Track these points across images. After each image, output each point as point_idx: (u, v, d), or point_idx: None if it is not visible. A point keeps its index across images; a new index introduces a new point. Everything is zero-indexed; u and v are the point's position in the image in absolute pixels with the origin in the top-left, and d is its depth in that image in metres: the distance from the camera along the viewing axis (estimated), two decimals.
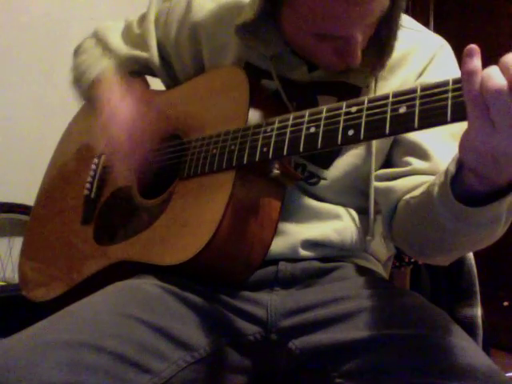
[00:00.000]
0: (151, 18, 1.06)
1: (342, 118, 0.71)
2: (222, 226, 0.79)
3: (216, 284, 0.84)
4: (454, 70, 0.95)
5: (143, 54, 1.06)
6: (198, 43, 0.99)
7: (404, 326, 0.75)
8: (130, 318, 0.73)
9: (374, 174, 0.90)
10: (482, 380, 0.67)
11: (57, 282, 1.00)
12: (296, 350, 0.80)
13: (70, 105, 1.20)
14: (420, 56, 0.94)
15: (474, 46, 0.57)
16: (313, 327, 0.80)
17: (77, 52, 1.17)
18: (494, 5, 2.78)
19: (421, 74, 0.93)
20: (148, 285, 0.81)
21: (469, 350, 0.72)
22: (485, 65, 0.59)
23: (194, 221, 0.83)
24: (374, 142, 0.91)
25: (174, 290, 0.80)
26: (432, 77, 0.91)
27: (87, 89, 1.06)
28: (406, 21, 0.99)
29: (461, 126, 0.80)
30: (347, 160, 0.92)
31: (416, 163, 0.88)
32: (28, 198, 1.18)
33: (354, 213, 0.94)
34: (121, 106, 0.94)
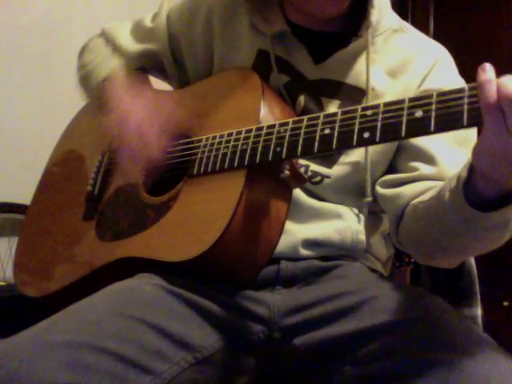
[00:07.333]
0: (164, 13, 1.07)
1: (358, 120, 0.72)
2: (232, 224, 0.79)
3: (218, 284, 0.84)
4: (456, 77, 0.97)
5: (155, 47, 1.07)
6: (212, 35, 1.00)
7: (410, 311, 0.77)
8: (131, 319, 0.73)
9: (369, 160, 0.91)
10: (485, 356, 0.69)
11: (55, 277, 1.00)
12: (301, 346, 0.80)
13: (71, 104, 1.20)
14: (422, 62, 0.95)
15: (487, 65, 0.61)
16: (317, 323, 0.80)
17: (83, 51, 1.17)
18: (493, 5, 2.78)
19: (424, 80, 0.94)
20: (149, 285, 0.80)
21: (474, 330, 0.76)
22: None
23: (203, 218, 0.83)
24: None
25: (175, 290, 0.80)
26: (435, 83, 0.93)
27: (95, 88, 1.07)
28: (406, 25, 1.00)
29: (467, 133, 0.81)
30: (351, 159, 0.93)
31: (423, 168, 0.89)
32: (28, 197, 1.18)
33: (354, 212, 0.94)
34: (132, 106, 0.94)
